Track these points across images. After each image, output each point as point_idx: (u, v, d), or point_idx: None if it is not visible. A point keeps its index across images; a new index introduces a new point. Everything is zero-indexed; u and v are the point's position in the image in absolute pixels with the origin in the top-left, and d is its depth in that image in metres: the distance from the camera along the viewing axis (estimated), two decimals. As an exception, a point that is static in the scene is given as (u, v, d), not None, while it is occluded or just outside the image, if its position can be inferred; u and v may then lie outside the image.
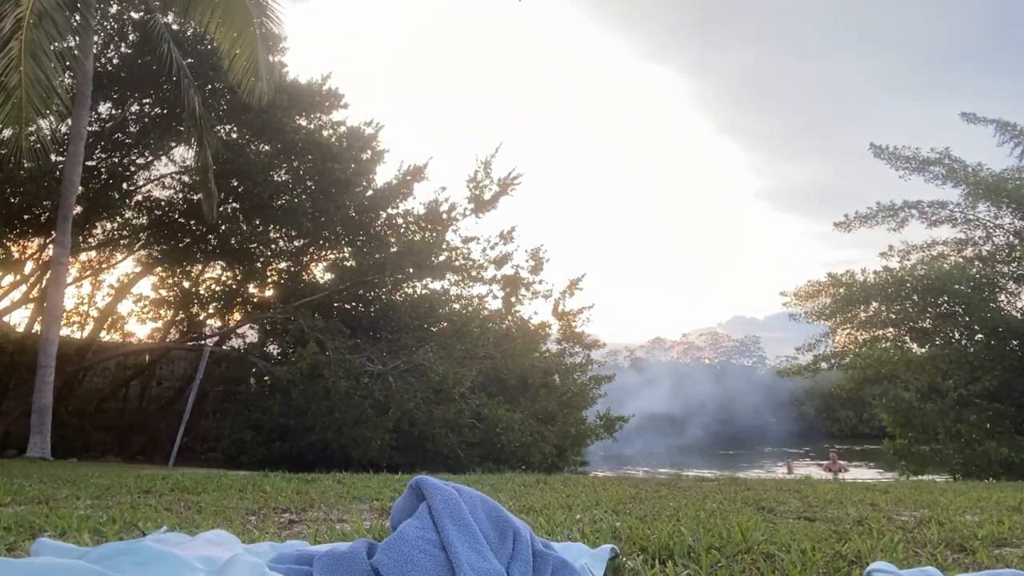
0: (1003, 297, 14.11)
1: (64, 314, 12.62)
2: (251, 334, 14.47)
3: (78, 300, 15.27)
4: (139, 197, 14.27)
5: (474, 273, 14.98)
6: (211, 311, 15.70)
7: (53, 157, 11.16)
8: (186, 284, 15.36)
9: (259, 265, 14.56)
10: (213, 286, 15.43)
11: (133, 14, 12.64)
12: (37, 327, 12.47)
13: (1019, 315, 13.67)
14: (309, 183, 13.86)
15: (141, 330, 16.31)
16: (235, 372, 13.13)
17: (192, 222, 13.75)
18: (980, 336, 13.73)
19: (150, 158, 14.05)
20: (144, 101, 13.31)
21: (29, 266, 13.80)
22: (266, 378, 12.74)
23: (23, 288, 14.01)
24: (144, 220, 14.38)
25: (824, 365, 16.42)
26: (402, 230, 14.67)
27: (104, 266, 15.37)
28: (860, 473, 18.75)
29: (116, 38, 12.76)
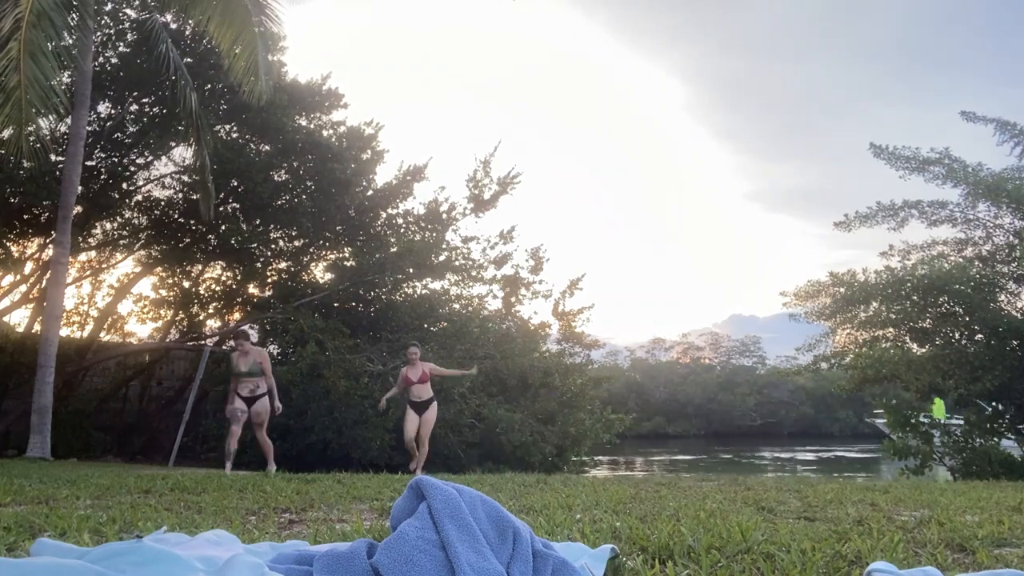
0: (1003, 297, 14.09)
1: (64, 314, 12.61)
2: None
3: (78, 300, 15.27)
4: (139, 197, 14.28)
5: (474, 273, 14.98)
6: (211, 311, 15.69)
7: (53, 157, 11.15)
8: (186, 284, 15.35)
9: (259, 265, 14.55)
10: (213, 286, 15.43)
11: (131, 13, 12.63)
12: (37, 327, 12.46)
13: (1019, 315, 13.66)
14: (309, 183, 13.85)
15: (141, 330, 16.31)
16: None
17: (192, 222, 13.74)
18: (980, 336, 13.70)
19: (150, 158, 14.05)
20: (143, 100, 13.31)
21: (29, 266, 13.80)
22: (266, 378, 12.71)
23: (23, 288, 14.01)
24: (144, 220, 14.38)
25: (824, 365, 16.40)
26: (402, 230, 14.66)
27: (104, 266, 15.37)
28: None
29: (114, 37, 12.76)
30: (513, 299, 15.27)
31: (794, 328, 16.91)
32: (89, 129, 11.41)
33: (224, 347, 14.28)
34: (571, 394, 14.11)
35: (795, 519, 2.79)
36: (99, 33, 12.21)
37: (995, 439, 12.83)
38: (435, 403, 8.74)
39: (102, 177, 13.21)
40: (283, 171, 13.95)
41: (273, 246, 14.59)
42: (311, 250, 15.08)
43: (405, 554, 1.30)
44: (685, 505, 3.19)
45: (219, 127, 13.47)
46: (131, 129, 13.42)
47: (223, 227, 13.26)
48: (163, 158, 14.13)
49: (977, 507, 3.30)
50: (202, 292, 15.40)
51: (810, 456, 27.94)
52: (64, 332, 12.64)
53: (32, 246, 13.73)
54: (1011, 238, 14.25)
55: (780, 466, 23.00)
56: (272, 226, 14.12)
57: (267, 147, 13.83)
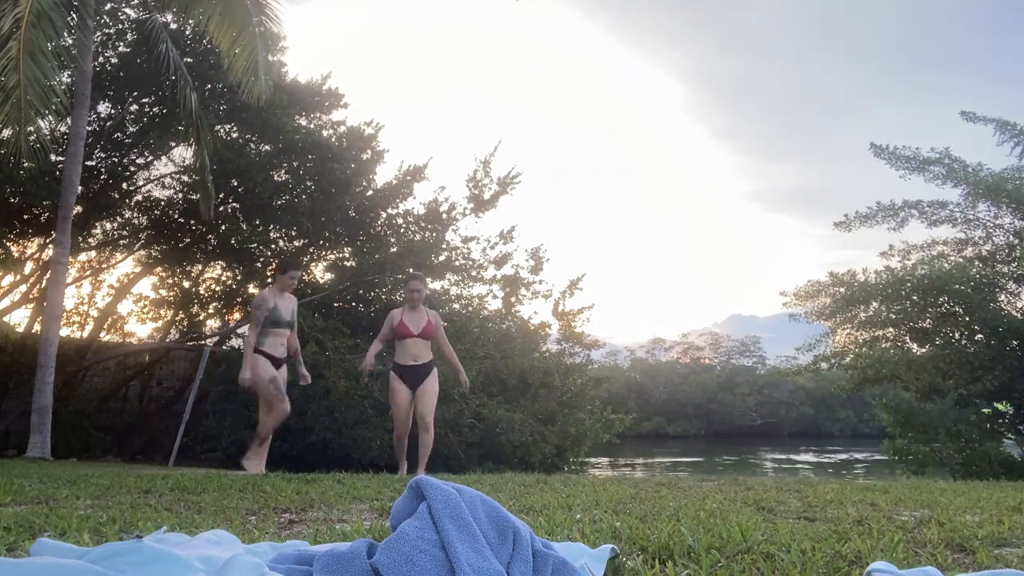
0: (1003, 297, 14.10)
1: (64, 314, 12.61)
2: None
3: (78, 300, 15.28)
4: (139, 197, 14.28)
5: (474, 273, 14.97)
6: (211, 311, 15.69)
7: (52, 157, 11.15)
8: (186, 284, 15.35)
9: (259, 265, 14.54)
10: (213, 286, 15.43)
11: (131, 13, 12.64)
12: (37, 327, 12.47)
13: (1019, 315, 13.67)
14: (309, 183, 13.85)
15: (141, 330, 16.33)
16: (235, 372, 13.03)
17: (192, 222, 13.74)
18: (980, 336, 13.72)
19: (150, 158, 14.05)
20: (143, 100, 13.31)
21: (29, 266, 13.80)
22: (266, 378, 12.71)
23: (23, 288, 14.01)
24: (144, 220, 14.38)
25: (824, 365, 16.43)
26: (402, 230, 14.66)
27: (104, 266, 15.37)
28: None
29: (114, 37, 12.76)
30: (513, 299, 15.26)
31: (794, 328, 16.95)
32: (89, 129, 11.41)
33: (224, 347, 14.29)
34: (571, 394, 14.10)
35: (795, 519, 2.79)
36: (99, 33, 12.21)
37: (995, 440, 12.84)
38: (435, 370, 6.04)
39: (102, 177, 13.21)
40: (283, 171, 13.95)
41: (273, 246, 14.58)
42: (311, 250, 15.08)
43: (405, 554, 1.30)
44: (685, 505, 3.19)
45: (219, 127, 13.47)
46: (131, 129, 13.42)
47: (223, 227, 13.26)
48: (163, 158, 14.14)
49: (977, 507, 3.30)
50: (202, 292, 15.40)
51: (826, 460, 27.01)
52: (64, 332, 12.65)
53: (32, 246, 13.73)
54: (1011, 238, 14.25)
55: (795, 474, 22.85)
56: (272, 226, 14.11)
57: (267, 147, 13.83)
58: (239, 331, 14.77)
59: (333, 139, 14.03)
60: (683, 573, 1.61)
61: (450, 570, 1.29)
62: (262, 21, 10.14)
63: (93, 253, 14.88)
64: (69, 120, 10.35)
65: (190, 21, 11.68)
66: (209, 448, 12.82)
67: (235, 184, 13.50)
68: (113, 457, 12.25)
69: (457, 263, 14.62)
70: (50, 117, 9.95)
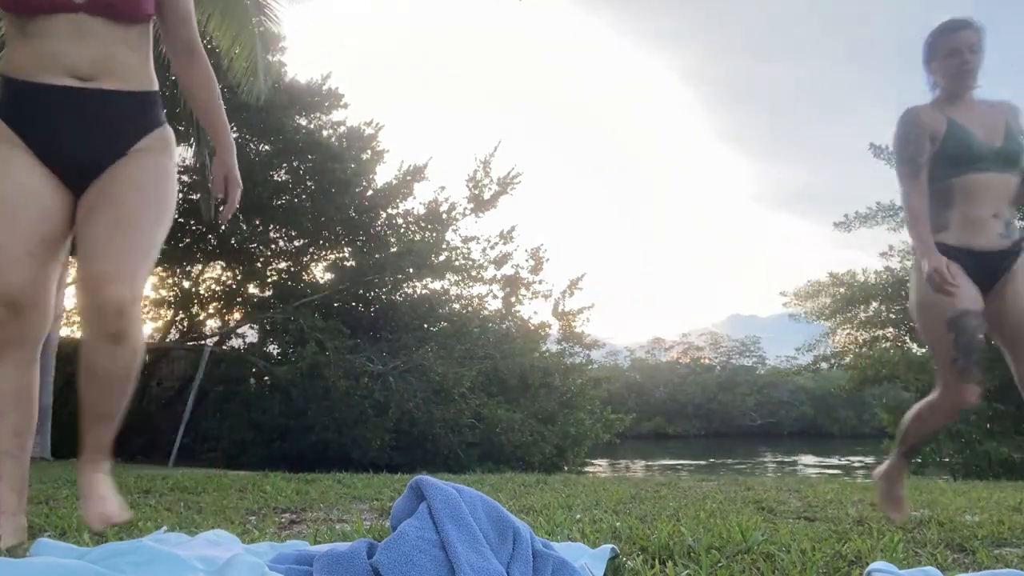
0: (1003, 297, 14.09)
1: (64, 314, 12.61)
2: (251, 334, 14.47)
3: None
4: (139, 197, 14.30)
5: (474, 273, 14.99)
6: (211, 311, 15.70)
7: (53, 157, 11.14)
8: (186, 284, 15.36)
9: (259, 265, 14.56)
10: (213, 286, 15.43)
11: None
12: (37, 327, 12.45)
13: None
14: (309, 183, 13.86)
15: (141, 330, 16.33)
16: (235, 372, 13.12)
17: (192, 222, 13.74)
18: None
19: (150, 158, 14.04)
20: (143, 101, 13.30)
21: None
22: (266, 378, 12.74)
23: (23, 288, 14.00)
24: (144, 220, 14.39)
25: (824, 365, 16.44)
26: (402, 230, 14.67)
27: (104, 266, 15.35)
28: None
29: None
30: (513, 299, 15.27)
31: (794, 328, 16.99)
32: (89, 129, 11.40)
33: (224, 346, 14.29)
34: (571, 394, 14.11)
35: (795, 519, 2.79)
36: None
37: (995, 442, 12.81)
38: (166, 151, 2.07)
39: (102, 177, 13.20)
40: (283, 171, 13.95)
41: (273, 246, 14.59)
42: (311, 250, 15.09)
43: (405, 554, 1.30)
44: (685, 505, 3.19)
45: (219, 127, 13.45)
46: (131, 129, 13.41)
47: (223, 227, 13.26)
48: (163, 158, 14.12)
49: (977, 507, 3.30)
50: (202, 292, 15.40)
51: (826, 460, 25.93)
52: (64, 332, 12.65)
53: (32, 246, 13.71)
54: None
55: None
56: (272, 226, 14.13)
57: (267, 147, 13.84)
58: (238, 331, 14.78)
59: (333, 139, 14.03)
60: (683, 573, 1.61)
61: (450, 570, 1.29)
62: (262, 21, 10.13)
63: (93, 253, 14.88)
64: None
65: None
66: (209, 448, 12.82)
67: (235, 184, 13.49)
68: (113, 457, 12.23)
69: (457, 263, 14.63)
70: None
